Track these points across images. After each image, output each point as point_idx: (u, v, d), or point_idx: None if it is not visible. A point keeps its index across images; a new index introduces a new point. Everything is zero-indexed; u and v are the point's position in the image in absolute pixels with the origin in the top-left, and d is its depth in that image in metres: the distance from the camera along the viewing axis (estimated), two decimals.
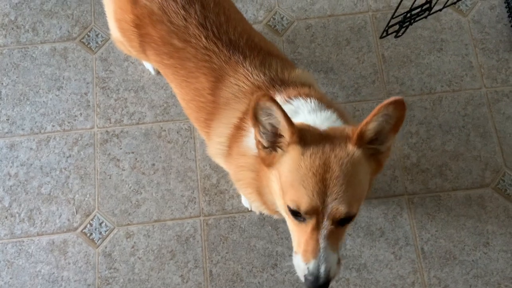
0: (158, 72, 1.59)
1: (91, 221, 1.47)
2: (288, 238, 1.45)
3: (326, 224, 0.84)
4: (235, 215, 1.48)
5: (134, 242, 1.45)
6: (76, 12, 1.68)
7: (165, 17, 1.08)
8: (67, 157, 1.53)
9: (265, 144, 0.88)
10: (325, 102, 1.02)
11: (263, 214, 1.43)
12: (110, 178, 1.51)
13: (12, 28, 1.66)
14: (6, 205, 1.49)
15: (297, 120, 0.93)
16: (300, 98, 1.00)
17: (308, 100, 1.00)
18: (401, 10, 1.41)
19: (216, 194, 1.50)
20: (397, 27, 1.49)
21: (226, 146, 1.09)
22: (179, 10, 1.08)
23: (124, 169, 1.52)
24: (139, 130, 1.56)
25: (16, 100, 1.58)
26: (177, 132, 1.56)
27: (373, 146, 0.86)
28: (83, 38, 1.65)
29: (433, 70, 1.62)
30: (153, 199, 1.49)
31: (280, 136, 0.86)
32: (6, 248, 1.45)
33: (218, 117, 1.09)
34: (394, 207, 1.48)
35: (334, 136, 0.86)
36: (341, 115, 1.00)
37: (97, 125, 1.56)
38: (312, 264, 0.86)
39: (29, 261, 1.44)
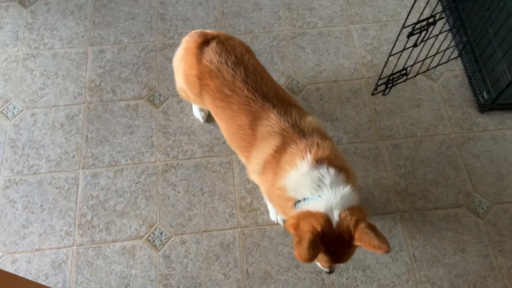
0: (205, 120, 2.11)
1: (153, 231, 1.90)
2: None
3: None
4: (265, 227, 1.90)
5: (187, 247, 1.86)
6: (145, 79, 2.26)
7: (220, 74, 1.54)
8: (136, 183, 2.00)
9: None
10: (340, 167, 1.36)
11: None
12: (168, 198, 1.96)
13: (97, 90, 2.23)
14: (89, 219, 1.92)
15: (320, 192, 1.31)
16: (324, 166, 1.33)
17: (330, 170, 1.33)
18: (386, 74, 1.96)
19: (250, 211, 1.93)
20: (383, 87, 2.04)
21: (261, 166, 1.49)
22: (229, 70, 1.54)
23: (179, 192, 1.98)
24: (190, 163, 2.04)
25: (99, 141, 2.10)
26: (220, 165, 2.04)
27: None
28: (149, 97, 2.21)
29: (413, 120, 2.13)
30: (202, 215, 1.93)
31: None
32: (87, 251, 1.86)
33: (256, 146, 1.50)
34: (389, 221, 1.90)
35: (341, 230, 1.27)
36: (349, 177, 1.37)
37: (159, 160, 2.05)
38: (330, 268, 1.47)
39: (105, 262, 1.84)
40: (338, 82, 2.25)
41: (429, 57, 2.06)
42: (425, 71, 2.19)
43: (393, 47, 1.80)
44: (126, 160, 2.05)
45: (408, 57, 1.99)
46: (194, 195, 1.97)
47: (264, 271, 1.81)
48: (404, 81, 2.13)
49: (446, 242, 1.85)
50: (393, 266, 1.81)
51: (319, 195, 1.30)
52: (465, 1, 2.22)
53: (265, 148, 1.47)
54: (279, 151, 1.43)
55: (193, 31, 1.68)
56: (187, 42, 1.64)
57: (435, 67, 2.20)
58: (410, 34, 1.62)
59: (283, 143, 1.43)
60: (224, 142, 2.08)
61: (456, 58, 2.24)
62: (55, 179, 2.01)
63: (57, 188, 1.99)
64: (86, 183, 2.00)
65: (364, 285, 1.78)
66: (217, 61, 1.55)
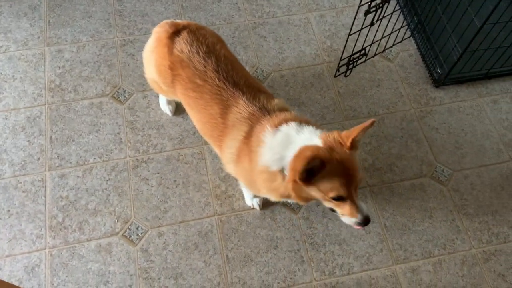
0: (173, 113, 2.11)
1: (129, 227, 1.87)
2: (284, 225, 1.89)
3: (355, 194, 1.34)
4: (242, 213, 1.92)
5: (165, 239, 1.85)
6: (107, 77, 2.22)
7: (191, 64, 1.55)
8: (107, 180, 1.96)
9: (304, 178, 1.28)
10: (300, 120, 1.44)
11: (263, 210, 1.89)
12: (142, 193, 1.95)
13: (58, 90, 2.17)
14: (60, 220, 1.87)
15: (293, 141, 1.34)
16: (284, 124, 1.40)
17: (290, 124, 1.40)
18: (346, 56, 2.04)
19: (225, 198, 1.95)
20: (345, 68, 2.12)
21: (235, 155, 1.51)
22: (201, 60, 1.54)
23: (152, 185, 1.96)
24: (162, 157, 2.03)
25: (64, 142, 2.04)
26: (191, 156, 2.04)
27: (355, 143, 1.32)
28: (114, 94, 2.18)
29: (375, 99, 2.22)
30: (177, 206, 1.92)
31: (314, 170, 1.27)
32: (61, 253, 1.81)
33: (228, 134, 1.52)
34: (360, 196, 1.96)
35: (337, 150, 1.28)
36: (314, 124, 1.47)
37: (128, 155, 2.03)
38: (359, 216, 1.36)
39: (81, 261, 1.79)
40: (301, 68, 2.31)
41: (385, 37, 2.16)
42: (381, 52, 2.29)
43: (352, 25, 1.88)
44: (95, 158, 2.01)
45: (366, 37, 2.07)
46: (168, 187, 1.96)
47: (244, 255, 1.83)
48: (363, 61, 2.22)
49: (414, 211, 1.94)
50: (367, 237, 1.88)
51: (291, 146, 1.33)
52: None
53: (236, 135, 1.50)
54: (249, 136, 1.46)
55: (164, 21, 1.67)
56: (157, 33, 1.63)
57: (391, 47, 2.31)
58: (367, 12, 1.69)
59: (251, 127, 1.46)
60: (195, 133, 2.09)
61: (409, 37, 2.35)
62: (21, 182, 1.94)
63: (23, 192, 1.92)
64: (54, 184, 1.94)
65: (341, 258, 1.84)
66: (189, 51, 1.55)
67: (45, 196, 1.92)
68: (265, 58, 2.33)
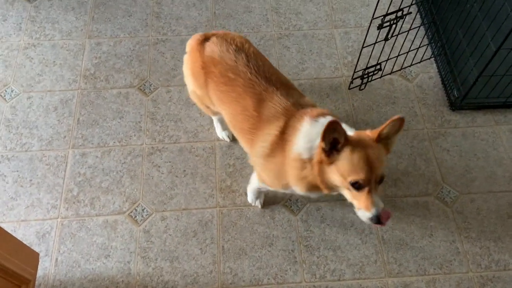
0: (231, 139, 2.12)
1: (136, 208, 1.99)
2: (282, 225, 1.94)
3: (374, 186, 1.34)
4: (242, 208, 1.99)
5: (167, 224, 1.95)
6: (137, 70, 2.39)
7: (223, 60, 1.61)
8: (122, 163, 2.10)
9: (327, 150, 1.33)
10: (337, 117, 1.46)
11: (264, 208, 1.95)
12: (152, 178, 2.06)
13: (91, 78, 2.36)
14: (75, 194, 2.02)
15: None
16: (321, 117, 1.47)
17: (327, 117, 1.46)
18: (362, 68, 2.09)
19: (229, 192, 2.03)
20: (359, 81, 2.17)
21: (268, 149, 1.54)
22: (231, 57, 1.61)
23: (163, 173, 2.08)
24: (175, 147, 2.15)
25: (89, 124, 2.21)
26: (203, 149, 2.14)
27: (385, 140, 1.37)
28: (140, 86, 2.34)
29: (388, 116, 2.25)
30: (183, 194, 2.02)
31: (337, 143, 1.32)
32: (71, 224, 1.94)
33: (262, 128, 1.55)
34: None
35: (363, 138, 1.35)
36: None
37: (145, 143, 2.16)
38: (373, 210, 1.36)
39: (88, 233, 1.92)
40: (319, 79, 2.39)
41: (401, 54, 2.21)
42: (399, 70, 2.33)
43: (365, 38, 1.94)
44: (114, 142, 2.16)
45: (381, 51, 2.13)
46: (176, 176, 2.07)
47: (239, 248, 1.89)
48: (379, 77, 2.27)
49: (414, 227, 1.94)
50: (362, 247, 1.89)
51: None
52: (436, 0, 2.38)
53: (270, 129, 1.53)
54: (284, 130, 1.50)
55: (193, 36, 1.75)
56: (190, 44, 1.74)
57: (409, 66, 2.34)
58: (380, 27, 1.76)
59: (286, 122, 1.50)
60: (209, 129, 2.20)
61: (429, 58, 2.38)
62: (46, 156, 2.11)
63: (47, 165, 2.09)
64: (74, 161, 2.10)
65: (334, 264, 1.85)
66: (219, 50, 1.63)
67: (65, 171, 2.07)
68: (286, 66, 2.43)
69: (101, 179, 2.05)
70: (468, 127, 2.21)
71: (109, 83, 2.35)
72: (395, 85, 2.35)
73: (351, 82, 2.19)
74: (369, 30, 2.03)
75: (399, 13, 1.76)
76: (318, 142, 1.35)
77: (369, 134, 1.37)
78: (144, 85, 2.34)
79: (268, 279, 1.83)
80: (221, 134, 2.14)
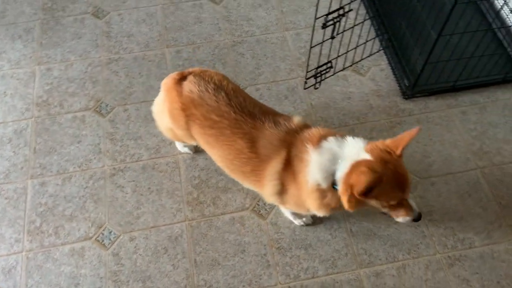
0: (194, 151, 2.13)
1: (102, 231, 1.95)
2: (252, 230, 1.95)
3: (408, 194, 1.42)
4: (211, 218, 1.99)
5: (136, 244, 1.92)
6: (91, 92, 2.36)
7: (203, 101, 1.56)
8: (85, 188, 2.06)
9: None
10: (333, 134, 1.47)
11: (233, 215, 1.95)
12: (117, 200, 2.03)
13: (44, 105, 2.31)
14: (38, 225, 1.96)
15: (341, 157, 1.39)
16: (323, 141, 1.43)
17: (329, 139, 1.44)
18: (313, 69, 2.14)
19: (197, 204, 2.02)
20: (313, 80, 2.22)
21: (279, 185, 1.52)
22: (211, 96, 1.56)
23: (127, 193, 2.05)
24: (138, 165, 2.13)
25: (47, 152, 2.16)
26: (166, 165, 2.13)
27: None
28: (96, 108, 2.31)
29: (346, 111, 2.30)
30: (150, 212, 2.00)
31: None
32: (37, 256, 1.89)
33: (265, 167, 1.51)
34: None
35: (389, 160, 1.35)
36: (340, 134, 1.48)
37: (106, 164, 2.13)
38: (413, 214, 1.46)
39: (54, 264, 1.87)
40: (276, 82, 2.42)
41: (351, 50, 2.26)
42: (351, 65, 2.39)
43: (312, 38, 1.98)
44: (74, 167, 2.12)
45: (330, 49, 2.17)
46: (141, 194, 2.05)
47: (211, 259, 1.88)
48: (332, 74, 2.32)
49: (380, 217, 1.98)
50: (332, 242, 1.92)
51: (339, 161, 1.40)
52: None
53: (275, 165, 1.50)
54: (288, 161, 1.48)
55: (168, 76, 1.71)
56: (165, 84, 1.68)
57: (359, 61, 2.40)
58: (324, 26, 1.80)
59: (288, 153, 1.48)
60: (171, 143, 2.18)
61: (378, 52, 2.45)
62: (4, 190, 2.05)
63: (6, 198, 2.03)
64: (34, 192, 2.05)
65: (307, 262, 1.87)
66: (198, 90, 1.58)
67: (25, 203, 2.02)
68: (242, 73, 2.45)
69: (63, 207, 2.01)
70: (422, 114, 2.29)
71: (64, 108, 2.30)
72: (349, 81, 2.41)
73: (306, 82, 2.23)
74: (317, 30, 2.07)
75: (341, 11, 1.81)
76: (336, 169, 1.38)
77: (386, 148, 1.38)
78: (100, 106, 2.31)
79: (243, 286, 1.83)
80: (183, 149, 2.13)
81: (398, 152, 1.36)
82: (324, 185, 1.42)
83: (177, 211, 2.00)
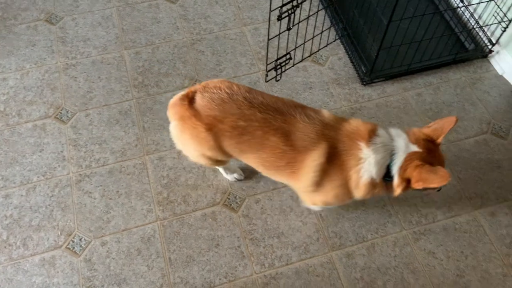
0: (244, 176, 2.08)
1: (72, 239, 1.92)
2: (225, 224, 1.97)
3: None
4: (183, 216, 1.99)
5: (108, 248, 1.90)
6: (50, 99, 2.31)
7: (226, 113, 1.51)
8: (51, 197, 2.02)
9: None
10: (376, 126, 1.54)
11: (204, 211, 1.96)
12: (85, 206, 2.00)
13: (1, 116, 2.24)
14: (5, 238, 1.91)
15: (393, 151, 1.48)
16: (374, 136, 1.49)
17: (379, 134, 1.51)
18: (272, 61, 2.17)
19: (167, 203, 2.02)
20: (274, 73, 2.25)
21: (319, 176, 1.53)
22: (231, 105, 1.51)
23: (95, 198, 2.03)
24: (104, 170, 2.10)
25: (8, 164, 2.10)
26: (134, 167, 2.12)
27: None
28: (57, 115, 2.26)
29: (308, 101, 2.36)
30: (120, 215, 1.98)
31: None
32: (6, 269, 1.84)
33: (303, 159, 1.51)
34: (294, 193, 2.07)
35: (431, 148, 1.48)
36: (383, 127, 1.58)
37: (71, 171, 2.09)
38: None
39: (25, 276, 1.83)
40: (238, 77, 2.44)
41: (307, 41, 2.32)
42: (309, 56, 2.44)
43: (268, 31, 2.02)
44: (38, 177, 2.07)
45: (287, 41, 2.22)
46: (110, 198, 2.03)
47: (186, 256, 1.89)
48: (292, 66, 2.37)
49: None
50: (304, 228, 1.97)
51: (393, 156, 1.48)
52: None
53: (316, 157, 1.50)
54: (333, 154, 1.50)
55: (171, 101, 1.65)
56: (177, 114, 1.60)
57: (317, 51, 2.46)
58: (279, 18, 1.84)
59: (329, 145, 1.50)
60: (137, 145, 2.17)
61: (334, 41, 2.52)
62: None
63: None
64: None
65: (280, 250, 1.91)
66: (215, 105, 1.52)
67: None
68: (203, 70, 2.46)
69: (30, 218, 1.96)
70: (380, 98, 2.37)
71: (22, 117, 2.25)
72: (309, 71, 2.46)
73: (267, 75, 2.27)
74: (274, 23, 2.11)
75: (294, 2, 1.85)
76: (390, 163, 1.47)
77: (430, 135, 1.50)
78: (61, 113, 2.27)
79: (220, 279, 1.85)
80: (231, 177, 2.06)
81: (439, 141, 1.49)
82: (378, 179, 1.49)
83: (148, 212, 2.00)
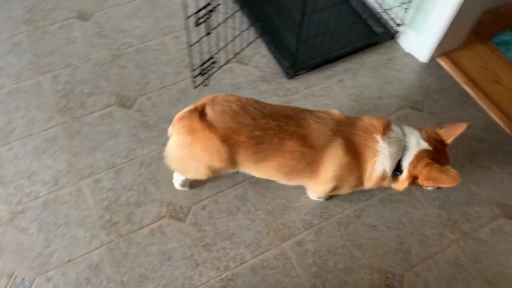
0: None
1: (14, 280, 1.80)
2: (174, 235, 1.95)
3: None
4: (130, 235, 1.94)
5: (54, 283, 1.81)
6: None
7: (241, 124, 1.55)
8: None
9: None
10: (389, 123, 1.64)
11: (151, 227, 1.93)
12: (22, 244, 1.89)
13: None
14: None
15: (406, 147, 1.59)
16: (389, 131, 1.60)
17: (393, 129, 1.62)
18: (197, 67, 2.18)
19: (111, 226, 1.96)
20: (201, 78, 2.27)
21: (338, 171, 1.62)
22: (245, 116, 1.56)
23: (32, 234, 1.91)
24: (38, 203, 1.99)
25: None
26: (69, 194, 2.03)
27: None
28: None
29: None
30: (62, 247, 1.89)
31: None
32: None
33: (322, 157, 1.59)
34: (240, 190, 2.09)
35: (440, 148, 1.59)
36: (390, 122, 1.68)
37: (2, 210, 1.96)
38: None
39: None
40: (166, 87, 2.42)
41: (229, 43, 2.36)
42: (233, 57, 2.49)
43: (189, 38, 2.03)
44: None
45: (210, 46, 2.25)
46: (49, 231, 1.93)
47: (138, 275, 1.85)
48: (218, 69, 2.40)
49: (290, 191, 2.11)
50: (253, 226, 2.01)
51: (406, 149, 1.59)
52: None
53: (335, 152, 1.59)
54: (351, 149, 1.59)
55: (178, 115, 1.66)
56: (186, 126, 1.59)
57: (240, 51, 2.52)
58: (197, 24, 1.85)
59: (346, 140, 1.59)
60: (69, 171, 2.08)
61: (255, 39, 2.59)
62: None
63: None
64: None
65: (233, 251, 1.93)
66: (229, 117, 1.55)
67: None
68: (128, 85, 2.41)
69: None
70: (306, 89, 2.47)
71: None
72: (235, 72, 2.51)
73: (194, 81, 2.27)
74: (194, 29, 2.12)
75: (209, 7, 1.88)
76: (402, 158, 1.59)
77: (441, 135, 1.61)
78: None
79: None
80: (182, 187, 2.04)
81: (448, 141, 1.61)
82: (389, 172, 1.60)
83: (91, 238, 1.92)
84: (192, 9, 1.98)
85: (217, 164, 1.66)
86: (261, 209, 2.06)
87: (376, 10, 2.65)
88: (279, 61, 2.51)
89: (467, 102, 2.45)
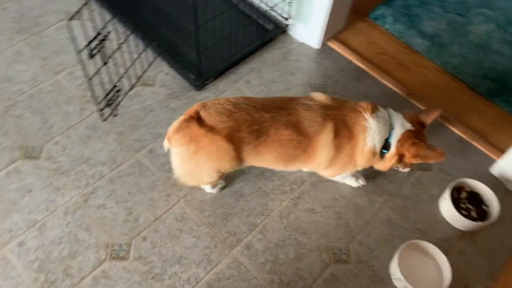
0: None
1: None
2: (120, 276, 1.86)
3: None
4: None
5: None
6: None
7: (239, 121, 1.63)
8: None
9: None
10: (376, 104, 1.77)
11: (97, 275, 1.82)
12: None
13: None
14: None
15: (392, 126, 1.72)
16: (377, 111, 1.73)
17: (381, 110, 1.76)
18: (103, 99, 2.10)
19: (48, 286, 1.81)
20: (109, 110, 2.19)
21: (332, 151, 1.72)
22: (240, 113, 1.64)
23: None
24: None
25: None
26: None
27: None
28: None
29: (155, 123, 2.33)
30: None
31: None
32: None
33: (315, 142, 1.70)
34: (178, 208, 2.06)
35: (421, 131, 1.76)
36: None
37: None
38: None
39: None
40: (72, 127, 2.29)
41: (129, 68, 2.31)
42: (137, 81, 2.44)
43: (85, 72, 1.95)
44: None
45: (110, 75, 2.17)
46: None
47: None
48: (124, 97, 2.33)
49: (227, 197, 2.13)
50: (199, 242, 1.99)
51: (392, 128, 1.72)
52: (120, 13, 2.53)
53: (326, 136, 1.69)
54: (340, 130, 1.69)
55: (173, 128, 1.68)
56: (187, 136, 1.64)
57: (143, 74, 2.47)
58: (91, 56, 1.79)
59: (334, 123, 1.68)
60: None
61: (155, 59, 2.56)
62: None
63: None
64: None
65: (186, 273, 1.90)
66: (227, 116, 1.62)
67: None
68: (30, 134, 2.24)
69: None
70: (217, 97, 2.50)
71: None
72: (143, 95, 2.45)
73: (102, 115, 2.18)
74: (89, 62, 2.03)
75: (100, 37, 1.82)
76: (389, 135, 1.71)
77: (421, 118, 1.76)
78: None
79: None
80: (214, 190, 2.11)
81: (428, 123, 1.76)
82: (378, 148, 1.71)
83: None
84: (81, 42, 1.91)
85: (227, 164, 1.74)
86: (203, 224, 2.05)
87: (263, 9, 2.76)
88: (184, 75, 2.52)
89: (362, 76, 2.68)
